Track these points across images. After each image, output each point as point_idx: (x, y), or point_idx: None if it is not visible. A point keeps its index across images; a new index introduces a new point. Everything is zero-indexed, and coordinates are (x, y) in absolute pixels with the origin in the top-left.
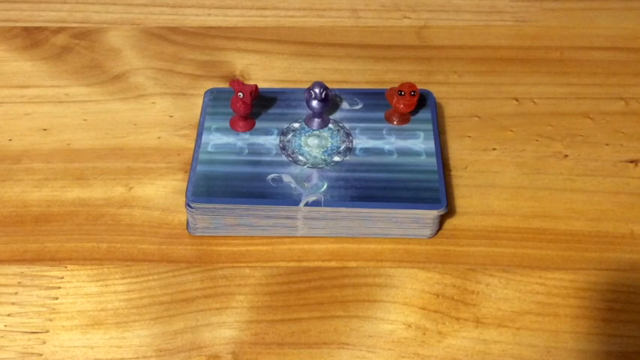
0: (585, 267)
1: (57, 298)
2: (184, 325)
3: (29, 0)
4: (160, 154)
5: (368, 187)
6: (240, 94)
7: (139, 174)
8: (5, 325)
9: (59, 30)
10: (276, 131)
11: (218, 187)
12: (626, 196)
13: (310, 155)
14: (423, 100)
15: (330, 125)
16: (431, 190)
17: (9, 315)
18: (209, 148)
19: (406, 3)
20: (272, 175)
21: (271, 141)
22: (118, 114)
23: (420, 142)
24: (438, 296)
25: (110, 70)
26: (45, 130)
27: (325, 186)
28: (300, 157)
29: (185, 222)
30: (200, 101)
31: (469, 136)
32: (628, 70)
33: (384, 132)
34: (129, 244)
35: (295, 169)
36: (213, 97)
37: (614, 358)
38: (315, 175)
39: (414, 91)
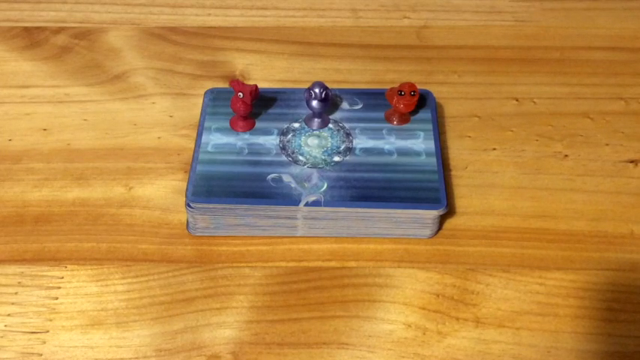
0: (585, 267)
1: (57, 298)
2: (184, 325)
3: (29, 0)
4: (159, 154)
5: (368, 187)
6: (240, 94)
7: (138, 174)
8: (5, 325)
9: (59, 30)
10: (276, 131)
11: (218, 187)
12: (626, 196)
13: (310, 155)
14: (423, 100)
15: (330, 125)
16: (431, 190)
17: (9, 315)
18: (209, 148)
19: (406, 3)
20: (272, 175)
21: (271, 141)
22: (118, 114)
23: (420, 142)
24: (438, 296)
25: (110, 70)
26: (45, 130)
27: (325, 186)
28: (300, 157)
29: (185, 222)
30: (200, 101)
31: (469, 136)
32: (628, 70)
33: (384, 132)
34: (129, 244)
35: (295, 169)
36: (213, 97)
37: (614, 358)
38: (315, 175)
39: (414, 91)
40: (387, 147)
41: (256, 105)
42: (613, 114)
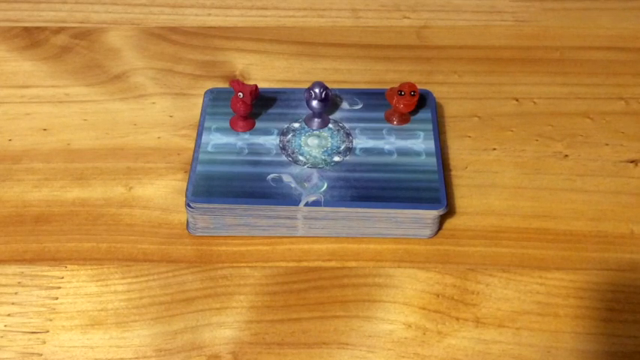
0: (585, 267)
1: (57, 298)
2: (184, 325)
3: (29, 0)
4: (159, 154)
5: (368, 187)
6: (240, 94)
7: (138, 174)
8: (5, 325)
9: (59, 30)
10: (276, 131)
11: (218, 187)
12: (626, 196)
13: (310, 155)
14: (423, 100)
15: (330, 125)
16: (431, 190)
17: (9, 315)
18: (209, 148)
19: (406, 3)
20: (272, 175)
21: (271, 141)
22: (118, 114)
23: (420, 142)
24: (438, 296)
25: (110, 70)
26: (45, 130)
27: (325, 186)
28: (300, 157)
29: (185, 222)
30: (200, 101)
31: (469, 136)
32: (628, 70)
33: (384, 132)
34: (129, 244)
35: (295, 169)
36: (213, 97)
37: (614, 358)
38: (315, 175)
39: (414, 91)
40: (387, 147)
41: (256, 105)
42: (613, 114)
